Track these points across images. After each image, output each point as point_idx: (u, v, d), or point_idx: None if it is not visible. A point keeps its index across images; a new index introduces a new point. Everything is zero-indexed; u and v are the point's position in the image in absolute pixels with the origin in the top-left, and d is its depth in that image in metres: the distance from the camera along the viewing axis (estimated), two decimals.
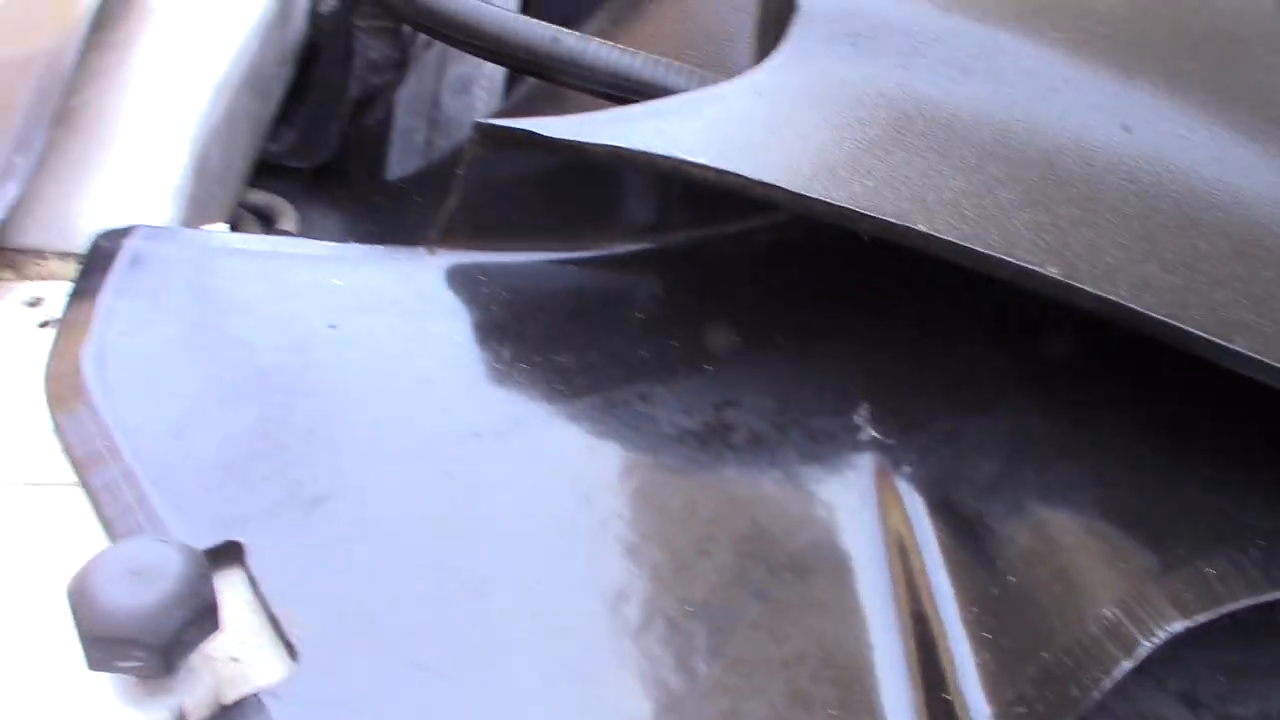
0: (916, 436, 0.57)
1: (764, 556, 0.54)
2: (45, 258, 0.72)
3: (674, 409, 0.60)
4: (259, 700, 0.49)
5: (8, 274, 0.72)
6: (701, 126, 0.62)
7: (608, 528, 0.56)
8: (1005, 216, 0.56)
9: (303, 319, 0.66)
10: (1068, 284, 0.54)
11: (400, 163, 1.02)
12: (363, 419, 0.61)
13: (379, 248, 0.71)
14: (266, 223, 0.89)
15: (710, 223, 0.69)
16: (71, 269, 0.72)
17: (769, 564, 0.54)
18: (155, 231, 0.72)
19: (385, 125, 0.96)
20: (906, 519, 0.54)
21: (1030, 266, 0.54)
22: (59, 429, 0.61)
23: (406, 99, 0.99)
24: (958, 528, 0.53)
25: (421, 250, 0.70)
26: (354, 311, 0.66)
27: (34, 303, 0.70)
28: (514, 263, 0.69)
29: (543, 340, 0.65)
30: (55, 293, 0.70)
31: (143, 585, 0.48)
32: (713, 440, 0.59)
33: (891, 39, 0.64)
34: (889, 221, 0.55)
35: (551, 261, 0.69)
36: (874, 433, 0.58)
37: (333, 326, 0.65)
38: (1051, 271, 0.54)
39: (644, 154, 0.61)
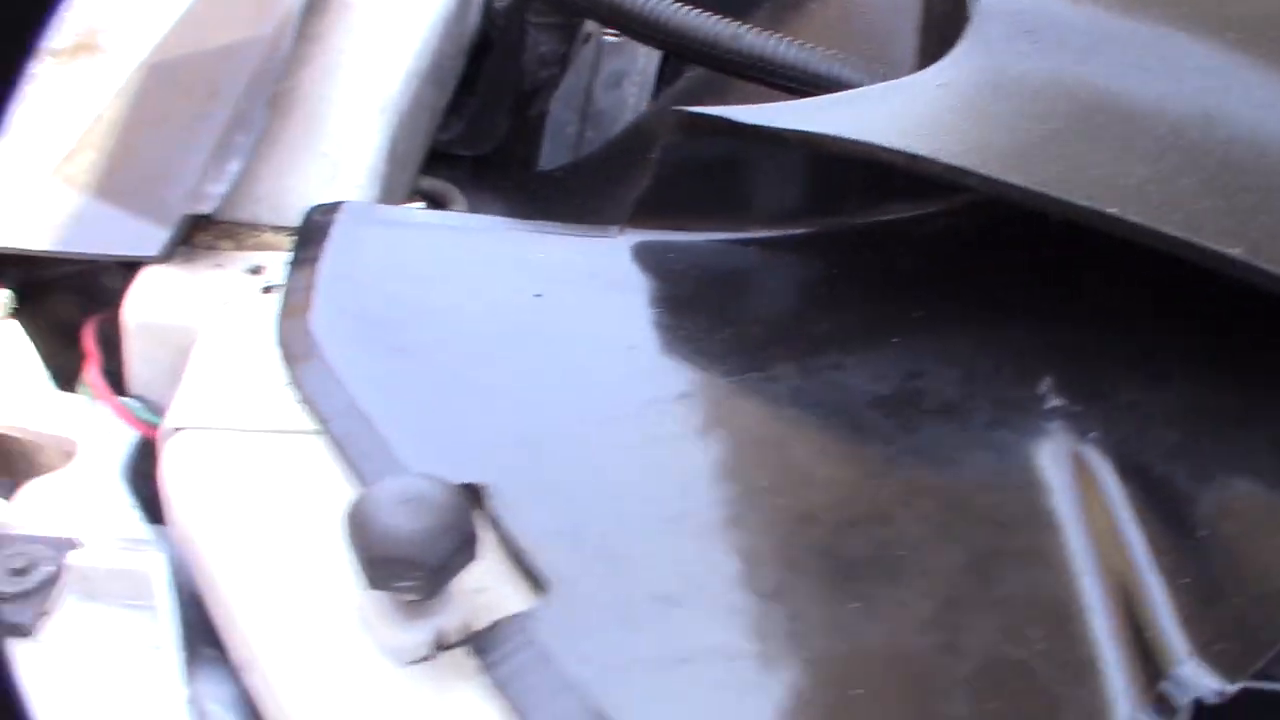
0: (1100, 406, 0.61)
1: (963, 510, 0.58)
2: (261, 230, 0.78)
3: (864, 377, 0.65)
4: (510, 625, 0.54)
5: (227, 243, 0.77)
6: (891, 115, 0.67)
7: (812, 481, 0.60)
8: (1188, 202, 0.60)
9: (511, 288, 0.71)
10: (1249, 264, 0.58)
11: (552, 154, 1.07)
12: (576, 379, 0.66)
13: (571, 226, 0.77)
14: (437, 208, 0.95)
15: (881, 208, 0.74)
16: (285, 241, 0.77)
17: (969, 517, 0.58)
18: (361, 207, 0.78)
19: (544, 117, 1.01)
20: (1096, 479, 0.58)
21: (1215, 248, 0.58)
22: (298, 383, 0.66)
23: (561, 92, 1.04)
24: (1146, 487, 0.57)
25: (611, 230, 0.75)
26: (557, 283, 0.71)
27: (255, 270, 0.75)
28: (700, 241, 0.74)
29: (733, 313, 0.70)
30: (273, 261, 0.76)
31: (416, 513, 0.53)
32: (905, 406, 0.63)
33: (1068, 37, 0.68)
34: (1082, 205, 0.59)
35: (735, 241, 0.74)
36: (1058, 402, 0.62)
37: (539, 295, 0.70)
38: (1234, 253, 0.58)
39: (839, 140, 0.66)
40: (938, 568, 0.55)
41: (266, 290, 0.74)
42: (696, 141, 0.71)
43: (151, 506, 0.69)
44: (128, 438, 0.72)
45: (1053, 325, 0.66)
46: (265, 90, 0.77)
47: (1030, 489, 0.58)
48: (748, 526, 0.57)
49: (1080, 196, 0.59)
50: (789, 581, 0.55)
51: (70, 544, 0.64)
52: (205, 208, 0.74)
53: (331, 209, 0.77)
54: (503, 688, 0.52)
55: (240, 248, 0.77)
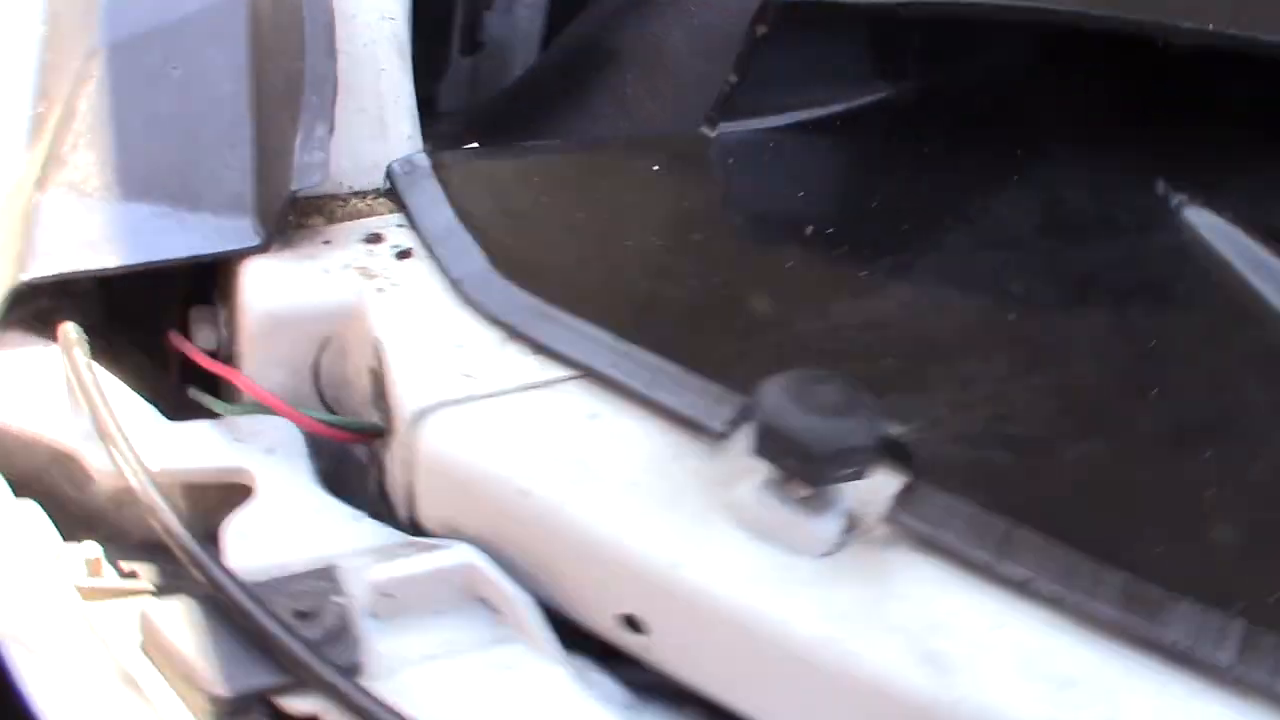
0: (1212, 195, 0.71)
1: (1164, 296, 0.67)
2: (345, 198, 0.71)
3: (1016, 211, 0.71)
4: (917, 494, 0.55)
5: (317, 219, 0.70)
6: None
7: (1048, 302, 0.67)
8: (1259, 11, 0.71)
9: (646, 199, 0.71)
10: None
11: (449, 94, 1.03)
12: (774, 272, 0.67)
13: (657, 136, 0.76)
14: None
15: (950, 62, 0.79)
16: (378, 204, 0.71)
17: (1173, 302, 0.67)
18: (444, 155, 0.73)
19: (480, 47, 0.97)
20: (1249, 248, 0.68)
21: None
22: (530, 334, 0.62)
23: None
24: None
25: (701, 129, 0.76)
26: (689, 186, 0.72)
27: (373, 239, 0.69)
28: (793, 123, 0.76)
29: (860, 180, 0.74)
30: (383, 226, 0.70)
31: (840, 404, 0.53)
32: (1063, 228, 0.70)
33: None
34: (1201, 28, 0.68)
35: (825, 117, 0.77)
36: (1180, 197, 0.71)
37: (682, 200, 0.70)
38: None
39: (947, 4, 0.71)
40: (1176, 343, 0.64)
41: (402, 256, 0.68)
42: (787, 29, 0.73)
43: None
44: (301, 448, 0.65)
45: (1134, 143, 0.75)
46: (329, 45, 0.69)
47: (1205, 266, 0.68)
48: (1021, 354, 0.63)
49: (1193, 20, 0.69)
50: (1093, 380, 0.62)
51: (332, 571, 0.58)
52: (314, 179, 0.66)
53: (411, 162, 0.72)
54: (944, 547, 0.54)
55: (332, 221, 0.70)
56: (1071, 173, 0.74)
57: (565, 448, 0.59)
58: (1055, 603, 0.53)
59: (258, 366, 0.66)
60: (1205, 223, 0.70)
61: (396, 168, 0.71)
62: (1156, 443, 0.59)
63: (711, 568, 0.54)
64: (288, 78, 0.70)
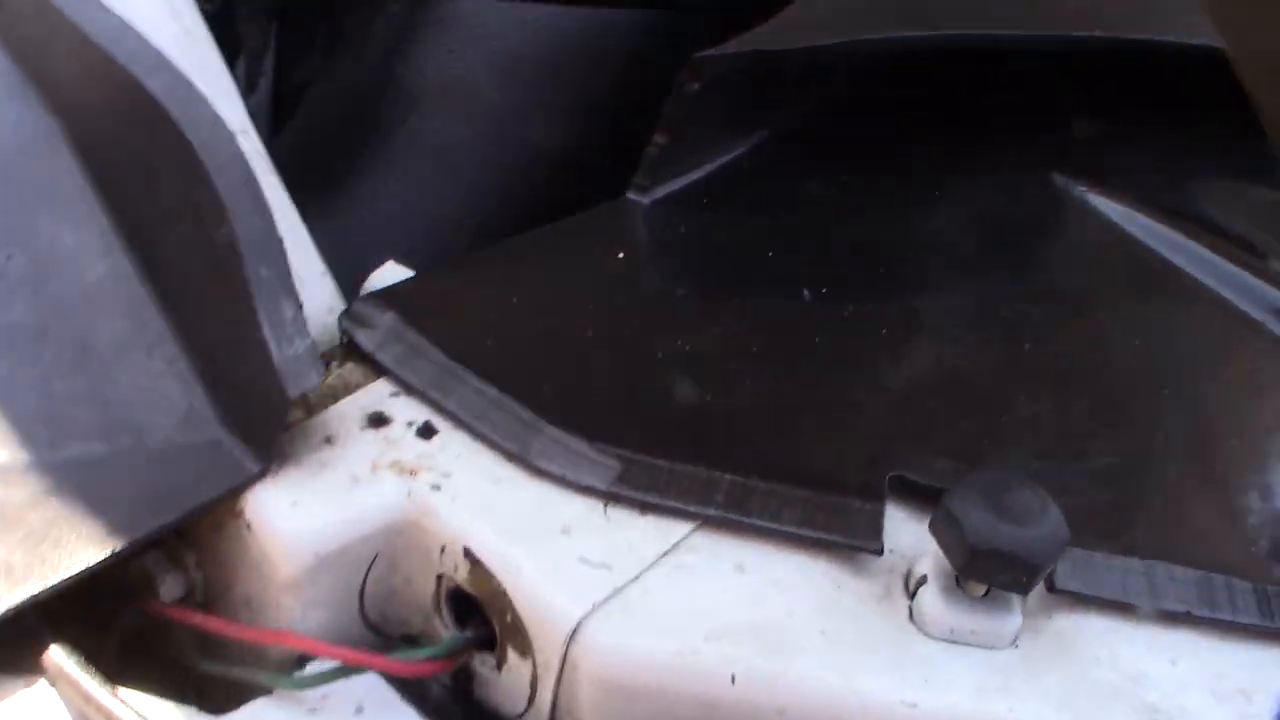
0: (1103, 182, 0.76)
1: (1114, 290, 0.73)
2: None
3: (954, 231, 0.73)
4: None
5: (297, 413, 0.56)
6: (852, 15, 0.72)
7: (1024, 331, 0.68)
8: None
9: (635, 290, 0.65)
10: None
11: None
12: (779, 346, 0.64)
13: (589, 215, 0.68)
14: None
15: (834, 94, 0.79)
16: (343, 375, 0.59)
17: (1124, 296, 0.72)
18: (389, 299, 0.61)
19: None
20: (1138, 214, 0.74)
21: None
22: (636, 494, 0.55)
23: None
24: (1157, 205, 0.75)
25: (630, 199, 0.69)
26: (658, 271, 0.66)
27: (377, 421, 0.57)
28: (719, 168, 0.72)
29: (802, 224, 0.71)
30: (375, 401, 0.58)
31: (1032, 508, 0.52)
32: (998, 237, 0.74)
33: None
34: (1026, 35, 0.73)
35: (734, 163, 0.73)
36: (1080, 188, 0.76)
37: (662, 281, 0.66)
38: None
39: (860, 42, 0.70)
40: (1166, 338, 0.69)
41: (425, 434, 0.57)
42: (715, 83, 0.68)
43: None
44: (391, 694, 0.53)
45: (1007, 144, 0.79)
46: (255, 198, 0.53)
47: (1138, 253, 0.73)
48: (1049, 379, 0.65)
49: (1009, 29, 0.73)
50: (1119, 391, 0.66)
51: None
52: (313, 379, 0.52)
53: (366, 315, 0.60)
54: (1104, 600, 0.55)
55: (312, 411, 0.56)
56: (975, 180, 0.76)
57: (738, 614, 0.53)
58: (1208, 624, 0.57)
59: (298, 614, 0.54)
60: (1113, 210, 0.75)
61: (351, 326, 0.59)
62: (1191, 447, 0.64)
63: (943, 692, 0.52)
64: (201, 244, 0.54)
